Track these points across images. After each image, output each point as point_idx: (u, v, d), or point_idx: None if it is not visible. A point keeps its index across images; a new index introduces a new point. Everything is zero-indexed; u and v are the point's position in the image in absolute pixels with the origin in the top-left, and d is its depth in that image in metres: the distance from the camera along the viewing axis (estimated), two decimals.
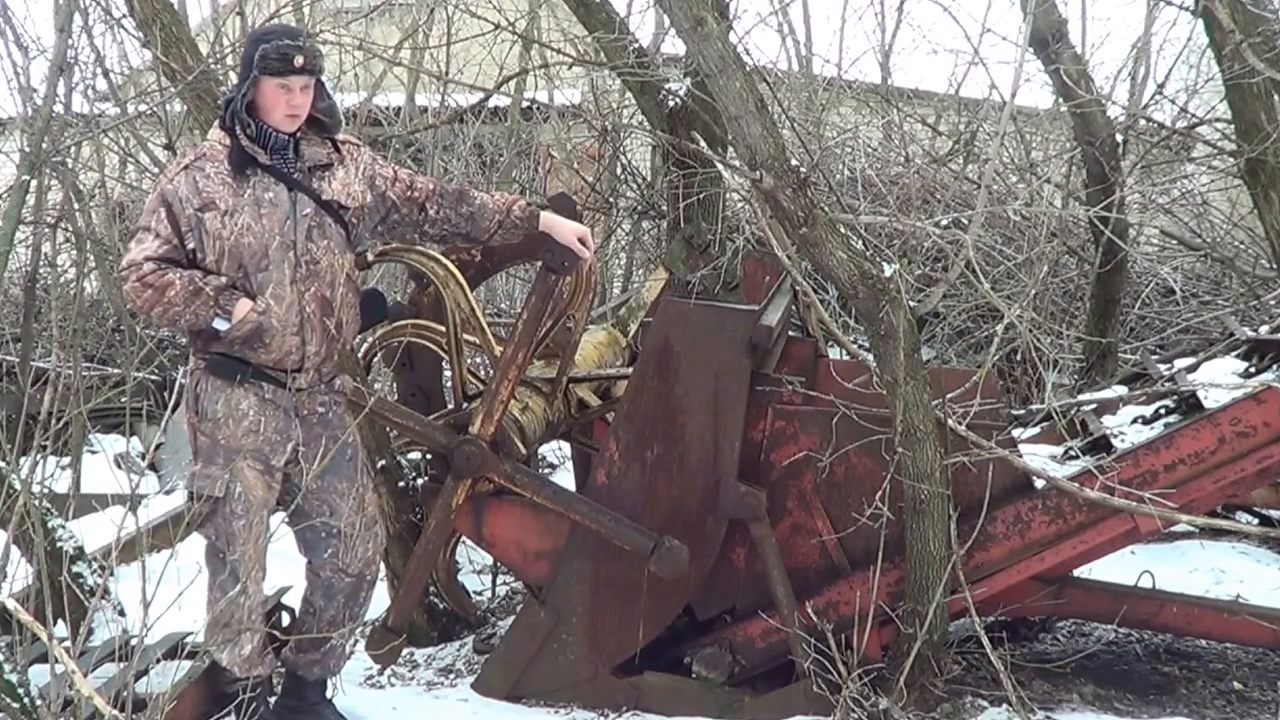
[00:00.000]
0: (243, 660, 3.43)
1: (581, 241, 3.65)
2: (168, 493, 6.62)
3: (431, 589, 4.56)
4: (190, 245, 3.28)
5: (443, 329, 4.08)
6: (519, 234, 3.65)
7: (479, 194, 3.62)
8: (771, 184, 3.46)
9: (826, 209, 3.59)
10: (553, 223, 3.64)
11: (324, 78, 3.44)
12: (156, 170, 6.67)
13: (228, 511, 3.34)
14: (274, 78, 3.27)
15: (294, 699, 3.65)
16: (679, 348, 3.82)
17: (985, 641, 3.64)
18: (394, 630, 3.98)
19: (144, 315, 3.35)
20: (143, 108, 6.47)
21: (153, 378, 7.31)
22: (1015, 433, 4.33)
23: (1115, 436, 4.35)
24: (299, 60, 3.26)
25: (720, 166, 4.50)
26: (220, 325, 3.26)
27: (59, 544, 3.97)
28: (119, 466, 6.46)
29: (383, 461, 4.44)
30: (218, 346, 3.33)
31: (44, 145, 5.35)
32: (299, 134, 3.38)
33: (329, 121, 3.44)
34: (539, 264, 3.76)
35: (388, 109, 8.61)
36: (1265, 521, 5.27)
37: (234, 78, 5.29)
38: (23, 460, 3.82)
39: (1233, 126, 5.39)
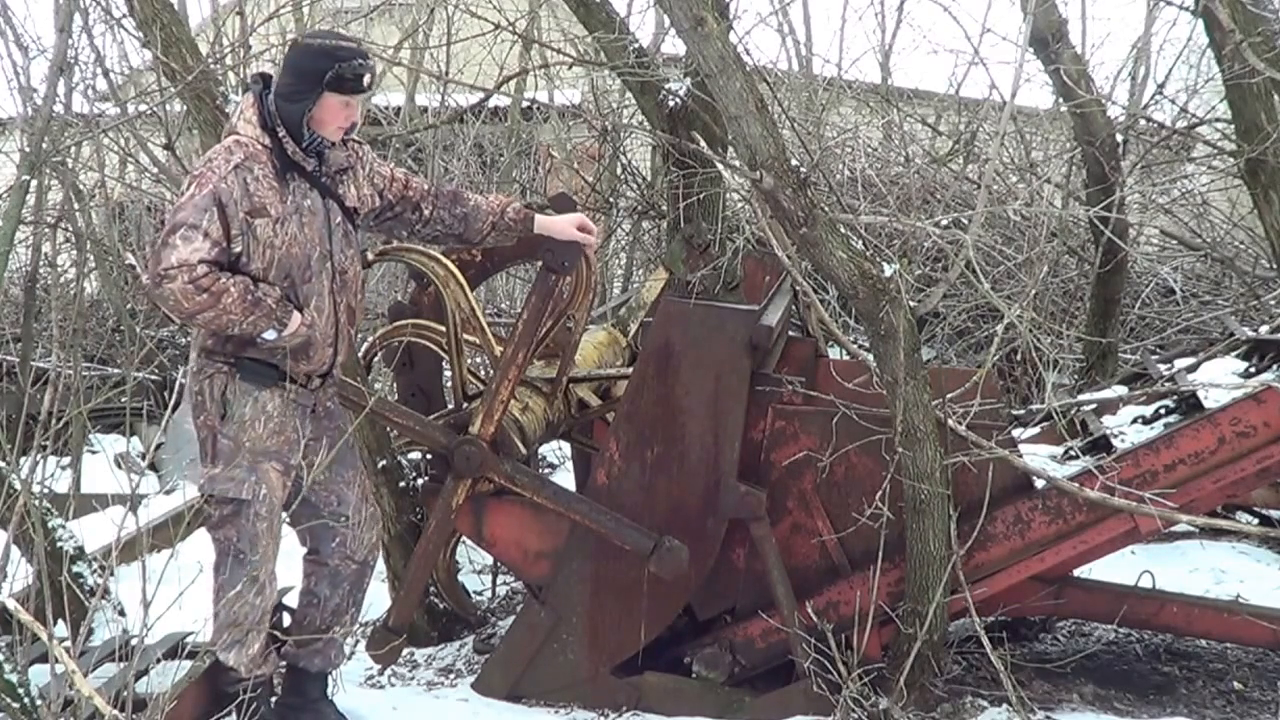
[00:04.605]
0: (249, 660, 3.42)
1: (582, 230, 3.65)
2: (168, 493, 6.62)
3: (432, 589, 4.57)
4: (236, 249, 3.19)
5: (443, 329, 4.08)
6: (513, 236, 3.66)
7: (473, 196, 3.63)
8: (771, 184, 3.46)
9: (826, 209, 3.59)
10: (550, 223, 3.64)
11: None
12: (156, 170, 6.68)
13: (252, 514, 3.32)
14: (341, 95, 3.25)
15: (295, 696, 3.65)
16: (679, 348, 3.82)
17: (985, 641, 3.64)
18: (394, 630, 3.98)
19: (184, 318, 3.17)
20: (143, 108, 6.47)
21: (153, 378, 7.32)
22: (1015, 433, 4.33)
23: (1115, 436, 4.35)
24: (367, 79, 3.27)
25: (720, 166, 4.50)
26: (269, 335, 3.24)
27: (59, 544, 3.97)
28: (119, 466, 6.46)
29: (383, 461, 4.44)
30: (253, 352, 3.29)
31: (44, 145, 5.35)
32: None
33: None
34: (539, 264, 3.77)
35: (388, 109, 8.62)
36: (1265, 521, 5.27)
37: (233, 78, 5.25)
38: (23, 460, 3.82)
39: (1233, 126, 5.39)
